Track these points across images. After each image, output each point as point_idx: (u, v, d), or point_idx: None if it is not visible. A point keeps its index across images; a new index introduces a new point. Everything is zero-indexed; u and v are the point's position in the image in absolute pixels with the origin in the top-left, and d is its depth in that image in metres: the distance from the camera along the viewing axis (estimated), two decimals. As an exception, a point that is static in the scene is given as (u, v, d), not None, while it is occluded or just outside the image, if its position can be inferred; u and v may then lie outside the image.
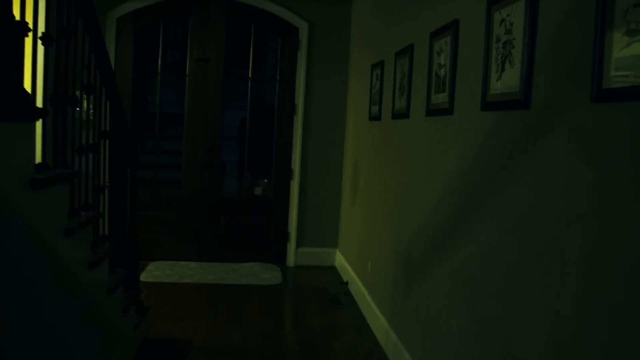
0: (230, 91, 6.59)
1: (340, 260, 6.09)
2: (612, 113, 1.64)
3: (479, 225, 2.52)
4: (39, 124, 2.07)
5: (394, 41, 4.22)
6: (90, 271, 2.64)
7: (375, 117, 4.70)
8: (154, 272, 5.64)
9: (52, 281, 2.36)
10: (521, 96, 2.14)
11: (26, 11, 1.96)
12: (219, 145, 6.20)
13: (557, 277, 1.88)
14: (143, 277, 5.34)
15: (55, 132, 2.45)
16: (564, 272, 1.85)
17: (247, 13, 6.10)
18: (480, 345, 2.46)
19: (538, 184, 2.04)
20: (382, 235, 4.29)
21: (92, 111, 3.03)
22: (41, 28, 2.21)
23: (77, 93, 2.62)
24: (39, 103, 2.18)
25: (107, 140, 3.28)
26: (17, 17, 1.89)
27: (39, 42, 2.19)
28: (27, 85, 1.98)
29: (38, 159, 2.11)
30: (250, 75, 6.24)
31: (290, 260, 6.34)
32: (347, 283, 5.44)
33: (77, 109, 2.62)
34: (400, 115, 3.88)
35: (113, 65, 5.70)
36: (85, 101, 2.95)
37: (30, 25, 1.99)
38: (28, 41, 1.97)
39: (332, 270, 6.19)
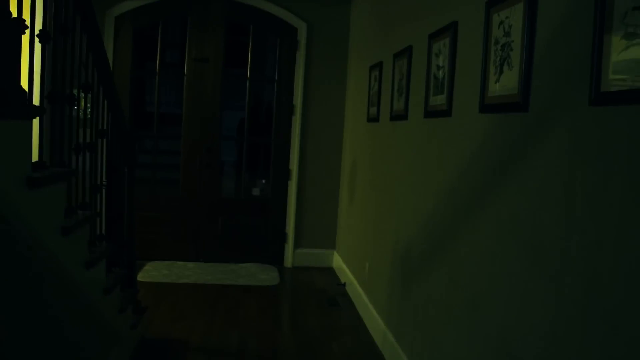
0: (228, 91, 6.59)
1: (337, 261, 6.08)
2: (611, 116, 1.64)
3: (477, 227, 2.52)
4: (35, 122, 2.07)
5: (392, 42, 4.22)
6: (87, 270, 2.63)
7: (373, 119, 4.69)
8: (151, 272, 5.63)
9: (49, 280, 2.35)
10: (519, 99, 2.13)
11: (23, 8, 1.95)
12: (217, 146, 6.20)
13: (556, 279, 1.88)
14: (140, 277, 5.34)
15: (53, 131, 2.45)
16: (562, 273, 1.85)
17: (246, 13, 6.10)
18: (478, 346, 2.46)
19: (536, 186, 2.03)
20: (379, 236, 4.29)
21: (89, 110, 3.02)
22: (38, 26, 2.21)
23: (75, 91, 2.61)
24: (36, 101, 2.17)
25: (105, 139, 3.27)
26: (14, 14, 1.88)
27: (36, 39, 2.19)
28: (24, 83, 1.97)
29: (35, 157, 2.11)
30: (248, 75, 6.23)
31: (288, 261, 6.33)
32: (344, 284, 5.43)
33: (75, 107, 2.61)
34: (399, 116, 3.87)
35: (111, 64, 5.69)
36: (82, 100, 2.94)
37: (28, 23, 1.98)
38: (25, 39, 1.96)
39: (330, 271, 6.19)
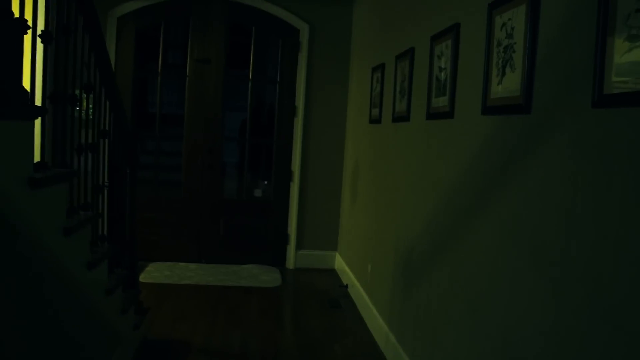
0: (230, 92, 6.59)
1: (340, 263, 6.08)
2: (613, 118, 1.63)
3: (479, 228, 2.52)
4: (37, 123, 2.07)
5: (394, 44, 4.21)
6: (89, 271, 2.63)
7: (375, 120, 4.69)
8: (153, 273, 5.63)
9: (51, 280, 2.35)
10: (522, 100, 2.13)
11: (25, 9, 1.95)
12: (219, 146, 6.20)
13: (557, 280, 1.88)
14: (142, 278, 5.34)
15: (55, 131, 2.45)
16: (563, 274, 1.84)
17: (247, 14, 6.10)
18: (480, 347, 2.45)
19: (538, 187, 2.03)
20: (381, 238, 4.29)
21: (91, 110, 3.02)
22: (40, 26, 2.21)
23: (77, 92, 2.61)
24: (38, 101, 2.17)
25: (107, 140, 3.27)
26: (16, 14, 1.88)
27: (38, 40, 2.19)
28: (26, 84, 1.97)
29: (37, 157, 2.11)
30: (250, 76, 6.23)
31: (290, 262, 6.33)
32: (346, 286, 5.43)
33: (77, 108, 2.61)
34: (401, 118, 3.87)
35: (113, 65, 5.69)
36: (84, 100, 2.94)
37: (30, 23, 1.98)
38: (27, 39, 1.96)
39: (332, 273, 6.18)
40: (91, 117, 2.99)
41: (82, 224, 2.50)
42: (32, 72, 2.09)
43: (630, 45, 1.55)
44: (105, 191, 3.36)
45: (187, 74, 6.12)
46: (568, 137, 1.86)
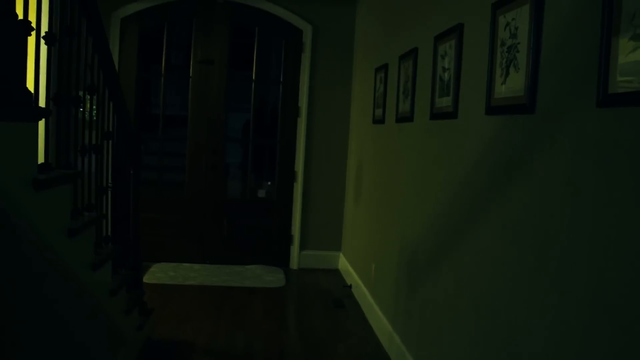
0: (233, 93, 6.59)
1: (343, 263, 6.07)
2: (617, 118, 1.63)
3: (483, 229, 2.51)
4: (41, 124, 2.07)
5: (398, 44, 4.21)
6: (93, 272, 2.64)
7: (379, 120, 4.69)
8: (157, 274, 5.63)
9: (55, 281, 2.36)
10: (526, 100, 2.12)
11: (29, 10, 1.96)
12: (222, 147, 6.20)
13: (561, 281, 1.87)
14: (146, 278, 5.34)
15: (58, 132, 2.45)
16: (568, 275, 1.84)
17: (251, 15, 6.10)
18: (484, 348, 2.45)
19: (543, 188, 2.02)
20: (385, 238, 4.28)
21: (95, 112, 3.03)
22: (44, 28, 2.21)
23: (81, 93, 2.61)
24: (42, 103, 2.18)
25: (110, 141, 3.27)
26: (20, 16, 1.88)
27: (42, 41, 2.19)
28: (30, 85, 1.97)
29: (41, 159, 2.11)
30: (254, 77, 6.24)
31: (294, 263, 6.33)
32: (350, 286, 5.42)
33: (80, 109, 2.62)
34: (404, 118, 3.87)
35: (117, 66, 5.70)
36: (88, 101, 2.94)
37: (34, 25, 1.98)
38: (31, 41, 1.96)
39: (336, 273, 6.18)
40: (95, 118, 2.99)
41: (86, 225, 2.51)
42: (36, 74, 2.10)
43: (635, 44, 1.54)
44: (109, 192, 3.37)
45: (191, 75, 6.12)
46: (572, 137, 1.85)
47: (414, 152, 3.64)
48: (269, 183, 6.74)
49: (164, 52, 6.08)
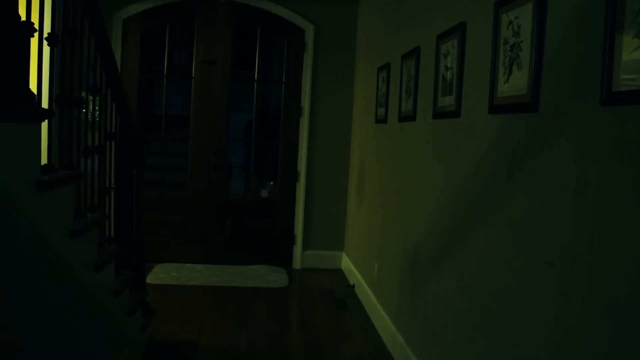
0: (236, 93, 6.60)
1: (346, 262, 6.07)
2: (622, 116, 1.62)
3: (486, 228, 2.51)
4: (44, 125, 2.07)
5: (400, 44, 4.21)
6: (96, 273, 2.64)
7: (381, 120, 4.68)
8: (159, 275, 5.64)
9: (58, 282, 2.36)
10: (529, 99, 2.12)
11: (32, 12, 1.96)
12: (224, 147, 6.20)
13: (565, 281, 1.87)
14: (149, 279, 5.34)
15: (61, 134, 2.45)
16: (571, 275, 1.83)
17: (253, 15, 6.10)
18: (487, 346, 2.44)
19: (545, 187, 2.02)
20: (388, 237, 4.28)
21: (97, 112, 3.03)
22: (47, 29, 2.21)
23: (83, 94, 2.61)
24: (45, 104, 2.18)
25: (113, 142, 3.27)
26: (23, 17, 1.88)
27: (45, 43, 2.19)
28: (33, 86, 1.97)
29: (44, 160, 2.11)
30: (256, 77, 6.23)
31: (297, 262, 6.32)
32: (353, 286, 5.42)
33: (83, 110, 2.62)
34: (407, 118, 3.86)
35: (119, 67, 5.71)
36: (91, 102, 2.94)
37: (36, 26, 1.98)
38: (34, 42, 1.96)
39: (339, 272, 6.18)
40: (97, 119, 3.00)
41: (89, 226, 2.50)
42: (38, 75, 2.10)
43: (639, 42, 1.53)
44: (112, 193, 3.37)
45: (193, 76, 6.12)
46: (575, 136, 1.85)
47: (416, 152, 3.63)
48: (272, 183, 6.74)
49: (166, 53, 6.08)
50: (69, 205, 2.36)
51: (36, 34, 1.99)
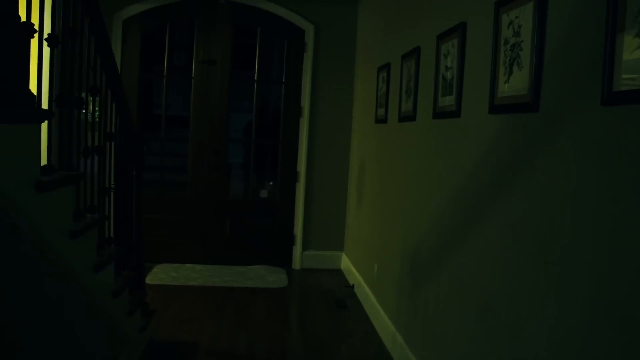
0: (236, 93, 6.59)
1: (346, 263, 6.07)
2: (622, 116, 1.62)
3: (486, 228, 2.50)
4: (44, 126, 2.07)
5: (400, 43, 4.20)
6: (96, 273, 2.63)
7: (381, 120, 4.68)
8: (159, 275, 5.63)
9: (58, 283, 2.36)
10: (530, 99, 2.12)
11: (32, 12, 1.95)
12: (224, 148, 6.20)
13: (565, 281, 1.87)
14: (148, 279, 5.34)
15: (61, 134, 2.45)
16: (571, 275, 1.83)
17: (253, 15, 6.10)
18: (486, 346, 2.44)
19: (546, 187, 2.02)
20: (388, 238, 4.28)
21: (97, 113, 3.02)
22: (47, 29, 2.21)
23: (83, 95, 2.61)
24: (45, 105, 2.17)
25: (113, 142, 3.27)
26: (23, 18, 1.88)
27: (45, 43, 2.19)
28: (33, 87, 1.97)
29: (43, 160, 2.11)
30: (256, 77, 6.23)
31: (296, 263, 6.32)
32: (353, 286, 5.42)
33: (83, 110, 2.62)
34: (407, 118, 3.86)
35: (119, 67, 5.70)
36: (91, 103, 2.94)
37: (36, 27, 1.98)
38: (34, 42, 1.96)
39: (338, 273, 6.17)
40: (97, 119, 2.99)
41: (88, 227, 2.50)
42: (38, 76, 2.10)
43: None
44: (112, 193, 3.36)
45: (193, 76, 6.12)
46: (576, 136, 1.84)
47: (416, 152, 3.63)
48: (271, 183, 6.73)
49: (166, 53, 6.08)
50: (69, 206, 2.35)
51: (36, 35, 1.99)
